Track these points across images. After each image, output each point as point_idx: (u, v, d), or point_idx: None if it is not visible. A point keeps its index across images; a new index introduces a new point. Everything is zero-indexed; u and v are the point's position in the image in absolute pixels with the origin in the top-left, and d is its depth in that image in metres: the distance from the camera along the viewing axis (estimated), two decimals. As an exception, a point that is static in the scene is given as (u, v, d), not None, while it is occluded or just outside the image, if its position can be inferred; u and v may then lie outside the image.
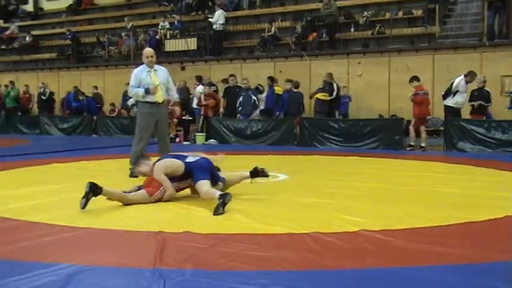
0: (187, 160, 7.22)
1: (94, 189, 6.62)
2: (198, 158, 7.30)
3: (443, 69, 18.20)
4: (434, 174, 10.01)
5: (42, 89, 24.87)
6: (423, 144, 14.80)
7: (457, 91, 14.91)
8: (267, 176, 7.80)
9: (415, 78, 15.34)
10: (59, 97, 25.95)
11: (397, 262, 4.51)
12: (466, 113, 15.56)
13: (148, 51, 10.13)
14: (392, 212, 6.54)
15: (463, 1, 20.49)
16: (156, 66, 10.02)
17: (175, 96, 10.38)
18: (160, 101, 9.87)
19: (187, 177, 7.25)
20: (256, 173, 7.69)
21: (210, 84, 19.34)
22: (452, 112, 15.02)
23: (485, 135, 14.27)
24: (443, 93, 15.34)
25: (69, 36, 27.99)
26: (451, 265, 4.43)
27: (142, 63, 9.97)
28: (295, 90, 17.98)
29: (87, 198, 6.56)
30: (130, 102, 20.80)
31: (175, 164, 7.23)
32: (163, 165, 7.26)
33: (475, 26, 19.38)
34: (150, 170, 7.40)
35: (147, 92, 9.70)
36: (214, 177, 7.26)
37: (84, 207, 6.52)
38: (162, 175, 7.16)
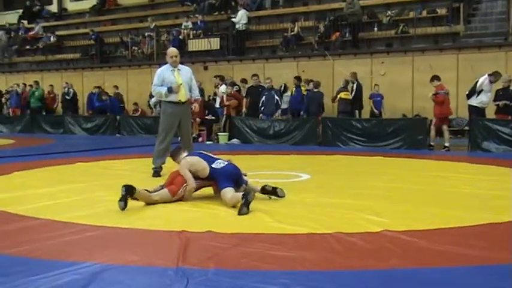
0: (214, 166, 7.21)
1: (130, 191, 6.67)
2: (225, 164, 7.28)
3: (468, 69, 18.05)
4: (458, 175, 9.92)
5: (66, 89, 25.00)
6: (447, 144, 14.66)
7: (481, 90, 14.75)
8: (279, 196, 7.34)
9: (435, 78, 15.21)
10: (83, 97, 26.06)
11: (421, 263, 4.49)
12: (491, 113, 15.41)
13: (172, 50, 10.13)
14: (415, 212, 6.51)
15: (488, 0, 20.31)
16: (180, 66, 10.01)
17: (196, 94, 10.34)
18: (183, 100, 9.85)
19: (210, 179, 7.29)
20: (265, 191, 7.39)
21: (233, 84, 19.35)
22: (476, 112, 14.86)
23: (511, 135, 14.09)
24: (467, 92, 15.21)
25: (92, 37, 28.17)
26: (475, 266, 4.41)
27: (166, 63, 9.98)
28: (315, 90, 18.02)
29: (125, 201, 6.60)
30: (152, 101, 20.89)
31: (201, 165, 7.27)
32: (189, 163, 7.32)
33: (500, 25, 19.20)
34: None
35: (170, 90, 9.70)
36: (238, 182, 7.25)
37: (123, 208, 6.58)
38: (187, 171, 7.23)
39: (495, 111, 15.42)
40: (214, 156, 7.53)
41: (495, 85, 15.04)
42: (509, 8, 18.92)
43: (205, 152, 7.71)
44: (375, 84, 19.12)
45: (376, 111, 18.80)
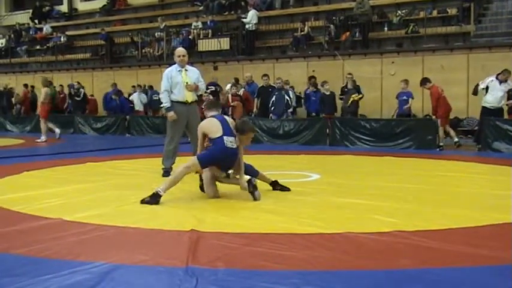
0: (225, 139, 7.29)
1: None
2: (233, 147, 7.34)
3: (478, 69, 17.97)
4: (468, 175, 9.89)
5: (77, 89, 24.81)
6: (456, 139, 14.83)
7: (487, 89, 14.70)
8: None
9: (427, 80, 15.24)
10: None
11: (432, 263, 4.46)
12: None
13: (180, 50, 10.14)
14: (426, 212, 6.48)
15: (499, 0, 20.24)
16: (188, 67, 10.02)
17: (202, 87, 10.38)
18: (190, 100, 9.85)
19: (212, 142, 7.39)
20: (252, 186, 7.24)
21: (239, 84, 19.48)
22: (485, 112, 14.81)
23: (522, 135, 14.04)
24: (472, 92, 15.33)
25: (102, 37, 28.19)
26: (486, 266, 4.39)
27: (175, 63, 9.99)
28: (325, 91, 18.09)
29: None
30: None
31: (214, 128, 7.38)
32: (204, 126, 7.55)
33: (511, 25, 19.10)
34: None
35: (168, 110, 9.76)
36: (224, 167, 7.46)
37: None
38: (201, 135, 7.51)
39: (508, 112, 15.36)
40: (234, 132, 7.49)
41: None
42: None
43: (230, 122, 7.64)
44: (403, 80, 17.52)
45: (400, 111, 17.32)
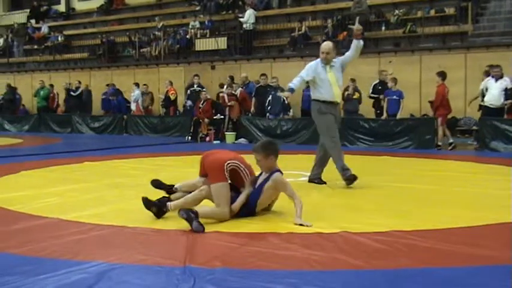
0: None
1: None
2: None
3: (476, 68, 17.94)
4: (466, 175, 9.90)
5: (76, 88, 24.75)
6: (451, 140, 14.94)
7: (486, 89, 14.85)
8: None
9: (442, 76, 15.23)
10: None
11: (429, 263, 4.47)
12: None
13: (323, 47, 8.90)
14: (424, 212, 6.49)
15: (496, -1, 20.27)
16: (334, 61, 8.91)
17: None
18: (338, 100, 8.98)
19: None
20: None
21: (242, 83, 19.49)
22: (485, 111, 14.91)
23: (519, 134, 14.05)
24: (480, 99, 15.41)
25: (103, 36, 28.25)
26: (483, 266, 4.39)
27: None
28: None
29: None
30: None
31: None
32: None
33: (508, 24, 19.10)
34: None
35: (290, 90, 8.72)
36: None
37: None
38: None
39: (506, 111, 15.38)
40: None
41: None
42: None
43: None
44: (392, 78, 17.32)
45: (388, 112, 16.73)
